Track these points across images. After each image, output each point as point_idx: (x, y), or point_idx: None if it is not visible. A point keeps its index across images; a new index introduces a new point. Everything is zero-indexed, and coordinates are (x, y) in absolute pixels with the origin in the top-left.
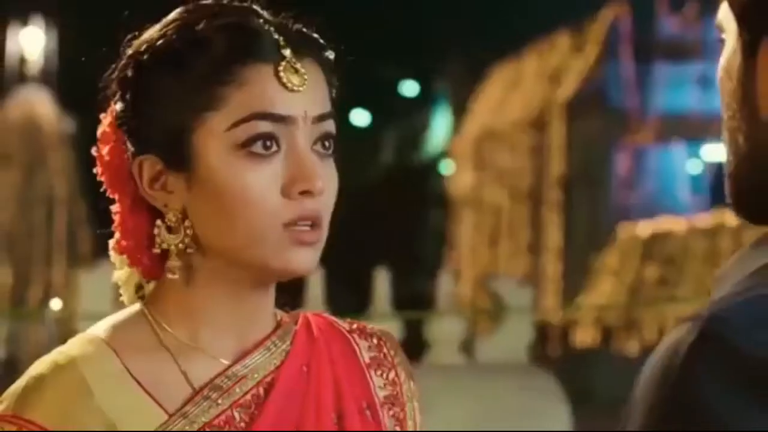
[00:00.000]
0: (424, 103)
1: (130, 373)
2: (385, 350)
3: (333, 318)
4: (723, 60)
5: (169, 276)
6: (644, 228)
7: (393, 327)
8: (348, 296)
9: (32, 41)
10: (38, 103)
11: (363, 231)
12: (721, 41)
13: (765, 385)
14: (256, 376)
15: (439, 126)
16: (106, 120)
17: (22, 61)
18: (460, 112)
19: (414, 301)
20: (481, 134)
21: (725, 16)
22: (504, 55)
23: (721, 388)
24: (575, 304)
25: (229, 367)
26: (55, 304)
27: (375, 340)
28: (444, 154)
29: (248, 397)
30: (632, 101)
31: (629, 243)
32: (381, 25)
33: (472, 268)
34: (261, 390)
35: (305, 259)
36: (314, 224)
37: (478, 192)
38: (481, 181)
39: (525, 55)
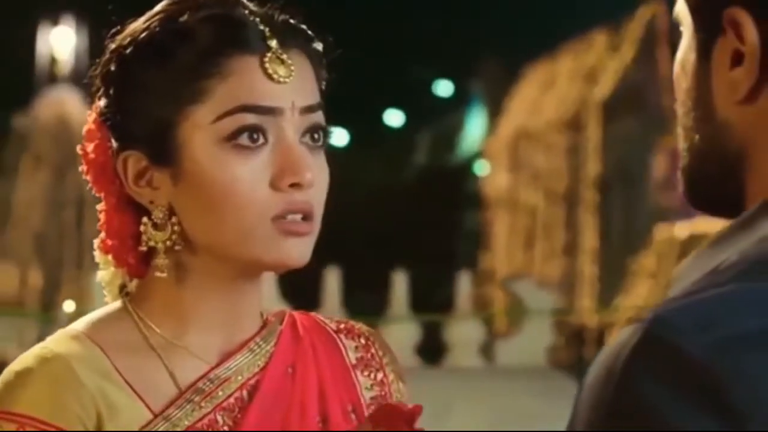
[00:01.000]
0: (459, 103)
1: (119, 372)
2: (373, 350)
3: (320, 317)
4: (679, 55)
5: (158, 274)
6: (681, 229)
7: (411, 329)
8: (380, 298)
9: (63, 41)
10: (69, 104)
11: (396, 232)
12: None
13: (706, 387)
14: (239, 378)
15: (474, 126)
16: (90, 117)
17: (53, 61)
18: (495, 112)
19: (448, 302)
20: (516, 135)
21: (682, 10)
22: (539, 54)
23: (663, 390)
24: (612, 306)
25: (212, 369)
26: (68, 306)
27: (362, 341)
28: (479, 154)
29: (231, 400)
30: (669, 101)
31: (666, 244)
32: (415, 25)
33: (506, 270)
34: (244, 393)
35: (297, 251)
36: (305, 216)
37: (513, 193)
38: (516, 182)
39: (560, 54)
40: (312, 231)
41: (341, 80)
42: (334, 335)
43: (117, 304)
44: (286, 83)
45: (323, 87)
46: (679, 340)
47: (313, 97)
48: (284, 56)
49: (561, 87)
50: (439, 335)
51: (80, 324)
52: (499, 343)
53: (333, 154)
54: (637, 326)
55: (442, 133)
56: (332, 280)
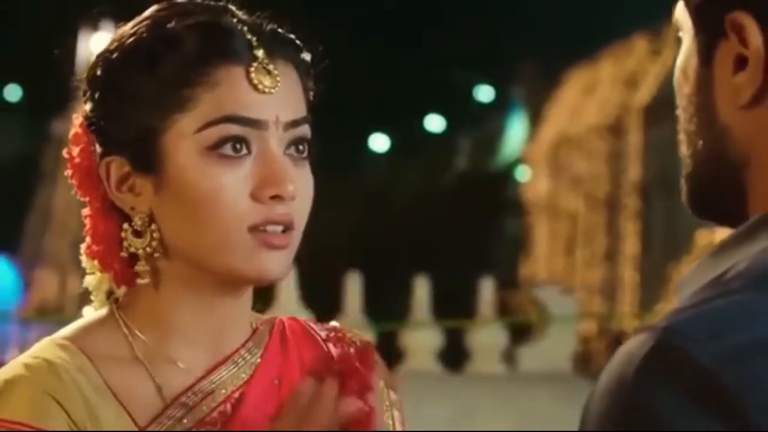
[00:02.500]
0: (500, 108)
1: (106, 383)
2: None
3: (310, 323)
4: (680, 61)
5: (139, 281)
6: (722, 235)
7: (432, 335)
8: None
9: (102, 46)
10: None
11: (437, 237)
12: (679, 39)
13: (717, 396)
14: (223, 391)
15: (515, 132)
16: (77, 121)
17: None
18: (536, 117)
19: (477, 308)
20: (557, 140)
21: (681, 14)
22: (580, 59)
23: (675, 400)
24: (652, 312)
25: (197, 382)
26: (88, 312)
27: (352, 350)
28: (519, 160)
29: (215, 414)
30: None
31: (707, 251)
32: (456, 30)
33: (547, 276)
34: (228, 406)
35: (275, 264)
36: (286, 228)
37: (553, 199)
38: (556, 188)
39: (601, 59)
40: (291, 243)
41: (382, 87)
42: (322, 344)
43: (104, 311)
44: (271, 94)
45: (311, 98)
46: (690, 348)
47: (299, 110)
48: (270, 66)
49: (602, 92)
50: (461, 341)
51: (67, 331)
52: (521, 349)
53: (374, 160)
54: (648, 335)
55: (483, 139)
56: (353, 285)
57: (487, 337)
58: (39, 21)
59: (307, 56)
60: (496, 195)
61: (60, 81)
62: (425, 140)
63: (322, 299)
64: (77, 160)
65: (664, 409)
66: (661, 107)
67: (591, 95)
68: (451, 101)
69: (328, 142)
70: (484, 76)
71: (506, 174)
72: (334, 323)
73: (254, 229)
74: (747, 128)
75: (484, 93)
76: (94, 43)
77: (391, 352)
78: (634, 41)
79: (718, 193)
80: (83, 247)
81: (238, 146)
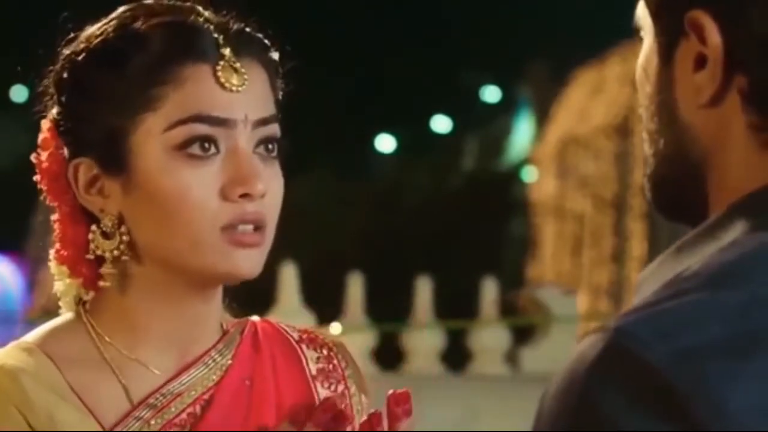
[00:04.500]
0: (507, 109)
1: (70, 386)
2: (335, 362)
3: (282, 325)
4: (641, 60)
5: (101, 284)
6: None
7: (434, 336)
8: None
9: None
10: None
11: (441, 238)
12: (640, 39)
13: (667, 397)
14: (193, 393)
15: (522, 132)
16: (45, 125)
17: None
18: (542, 118)
19: (481, 309)
20: (564, 140)
21: (642, 14)
22: (587, 59)
23: (623, 401)
24: None
25: (165, 383)
26: None
27: (325, 351)
28: (526, 160)
29: (183, 415)
30: None
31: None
32: (462, 31)
33: (553, 277)
34: (197, 408)
35: (247, 262)
36: (257, 227)
37: (560, 200)
38: (563, 189)
39: (608, 59)
40: (263, 242)
41: (388, 87)
42: (296, 345)
43: (71, 314)
44: (239, 92)
45: (279, 97)
46: (640, 350)
47: (267, 108)
48: (237, 65)
49: (609, 92)
50: (464, 342)
51: (33, 335)
52: (524, 350)
53: (380, 161)
54: (599, 336)
55: (489, 139)
56: (356, 286)
57: (490, 338)
58: (44, 21)
59: (275, 55)
60: (502, 195)
61: None
62: (431, 141)
63: (323, 300)
64: (45, 164)
65: (612, 411)
66: None
67: (598, 96)
68: (458, 102)
69: (334, 143)
70: (490, 76)
71: (513, 174)
72: (308, 326)
73: (226, 228)
74: (707, 127)
75: (491, 93)
76: None
77: (393, 353)
78: (642, 41)
79: (680, 191)
80: (52, 252)
81: (206, 145)
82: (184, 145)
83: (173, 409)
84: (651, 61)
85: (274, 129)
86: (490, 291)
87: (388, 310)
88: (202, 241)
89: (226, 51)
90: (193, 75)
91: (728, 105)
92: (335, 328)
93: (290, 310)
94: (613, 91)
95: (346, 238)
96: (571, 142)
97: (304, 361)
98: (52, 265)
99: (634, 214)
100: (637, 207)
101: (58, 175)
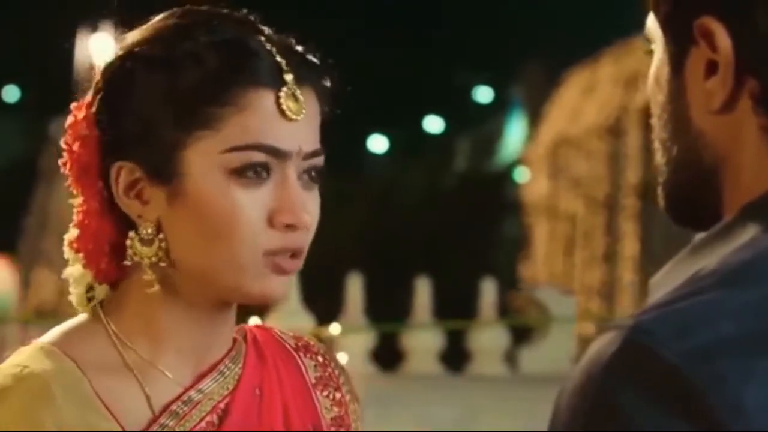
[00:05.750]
0: (499, 109)
1: (96, 393)
2: (330, 369)
3: (277, 332)
4: (652, 71)
5: (148, 291)
6: None
7: (433, 337)
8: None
9: (102, 48)
10: None
11: (432, 239)
12: (650, 52)
13: (684, 395)
14: (210, 401)
15: (514, 132)
16: (80, 113)
17: (92, 68)
18: (535, 118)
19: (479, 310)
20: (556, 141)
21: (652, 26)
22: (579, 60)
23: (640, 399)
24: None
25: (186, 391)
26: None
27: (320, 359)
28: (518, 161)
29: (203, 424)
30: None
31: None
32: (455, 31)
33: (546, 278)
34: (215, 417)
35: (281, 288)
36: (294, 254)
37: (552, 200)
38: (556, 189)
39: (601, 59)
40: (298, 268)
41: (381, 87)
42: (294, 353)
43: (89, 315)
44: (296, 121)
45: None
46: (658, 347)
47: (317, 140)
48: (297, 92)
49: (601, 93)
50: (463, 342)
51: (54, 337)
52: (523, 350)
53: (373, 161)
54: (616, 333)
55: (481, 140)
56: (355, 287)
57: (488, 339)
58: (37, 22)
59: (328, 82)
60: (495, 196)
61: (58, 82)
62: (424, 141)
63: (323, 301)
64: (77, 153)
65: (629, 408)
66: None
67: (590, 96)
68: (450, 102)
69: (327, 143)
70: (483, 76)
71: (505, 175)
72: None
73: (268, 254)
74: (720, 132)
75: (483, 94)
76: (93, 45)
77: (392, 354)
78: (634, 42)
79: (695, 198)
80: (68, 237)
81: (259, 170)
82: (240, 170)
83: (194, 417)
84: (662, 71)
85: (321, 161)
86: (489, 292)
87: (388, 311)
88: (243, 263)
89: (289, 77)
90: (255, 100)
91: (740, 109)
92: (335, 328)
93: (290, 310)
94: (606, 92)
95: (344, 238)
96: (563, 142)
97: (303, 369)
98: (66, 250)
99: (626, 214)
100: (630, 207)
101: (88, 166)
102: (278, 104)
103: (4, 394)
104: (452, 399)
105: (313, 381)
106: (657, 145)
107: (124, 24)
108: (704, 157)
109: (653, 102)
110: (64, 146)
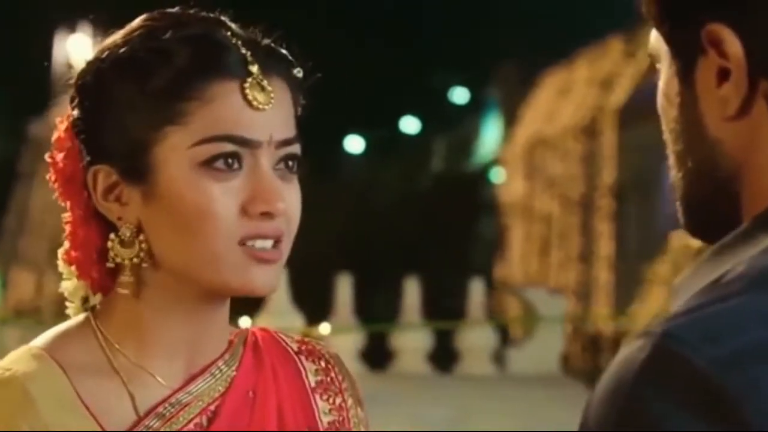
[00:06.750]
0: (475, 110)
1: (78, 395)
2: (332, 374)
3: (280, 334)
4: (661, 87)
5: (120, 291)
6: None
7: (422, 336)
8: (392, 305)
9: (79, 49)
10: None
11: (411, 238)
12: (656, 69)
13: (716, 401)
14: (200, 403)
15: (490, 133)
16: (62, 125)
17: (69, 68)
18: (511, 119)
19: (461, 310)
20: (532, 142)
21: (656, 44)
22: (555, 61)
23: (672, 405)
24: (627, 314)
25: (174, 393)
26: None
27: (323, 363)
28: (494, 161)
29: (191, 426)
30: None
31: (682, 252)
32: (432, 33)
33: (521, 277)
34: (203, 419)
35: (264, 278)
36: (276, 242)
37: (528, 200)
38: (531, 190)
39: (576, 61)
40: (281, 258)
41: (358, 88)
42: (295, 357)
43: (80, 319)
44: (265, 110)
45: (299, 113)
46: (688, 354)
47: (291, 128)
48: (264, 83)
49: (577, 94)
50: (451, 342)
51: (43, 340)
52: (511, 350)
53: (349, 161)
54: (645, 340)
55: (458, 140)
56: (344, 287)
57: (477, 339)
58: (16, 24)
59: (299, 73)
60: (471, 196)
61: (37, 83)
62: (400, 142)
63: (312, 301)
64: (61, 165)
65: (662, 415)
66: (635, 109)
67: (566, 97)
68: (427, 103)
69: (303, 143)
70: (459, 78)
71: (481, 175)
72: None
73: (244, 242)
74: (737, 138)
75: (459, 95)
76: (71, 45)
77: (381, 353)
78: (609, 43)
79: (714, 207)
80: (61, 251)
81: (230, 161)
82: (209, 162)
83: (181, 419)
84: (671, 86)
85: (296, 148)
86: (477, 292)
87: (377, 311)
88: (220, 255)
89: (254, 68)
90: (221, 93)
91: (755, 113)
92: (324, 328)
93: (280, 310)
94: (581, 93)
95: (332, 239)
96: (539, 143)
97: (303, 373)
98: (60, 264)
99: (601, 214)
100: (605, 207)
101: (73, 177)
102: (244, 95)
103: None
104: (441, 398)
105: (313, 385)
106: (671, 161)
107: (103, 25)
108: (721, 165)
109: (664, 118)
110: (49, 160)
